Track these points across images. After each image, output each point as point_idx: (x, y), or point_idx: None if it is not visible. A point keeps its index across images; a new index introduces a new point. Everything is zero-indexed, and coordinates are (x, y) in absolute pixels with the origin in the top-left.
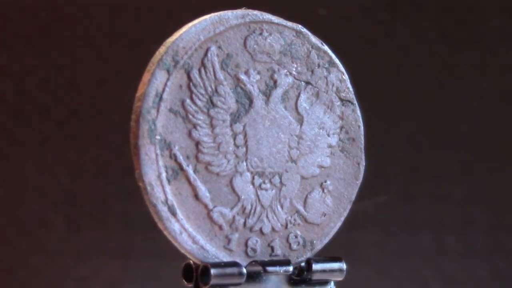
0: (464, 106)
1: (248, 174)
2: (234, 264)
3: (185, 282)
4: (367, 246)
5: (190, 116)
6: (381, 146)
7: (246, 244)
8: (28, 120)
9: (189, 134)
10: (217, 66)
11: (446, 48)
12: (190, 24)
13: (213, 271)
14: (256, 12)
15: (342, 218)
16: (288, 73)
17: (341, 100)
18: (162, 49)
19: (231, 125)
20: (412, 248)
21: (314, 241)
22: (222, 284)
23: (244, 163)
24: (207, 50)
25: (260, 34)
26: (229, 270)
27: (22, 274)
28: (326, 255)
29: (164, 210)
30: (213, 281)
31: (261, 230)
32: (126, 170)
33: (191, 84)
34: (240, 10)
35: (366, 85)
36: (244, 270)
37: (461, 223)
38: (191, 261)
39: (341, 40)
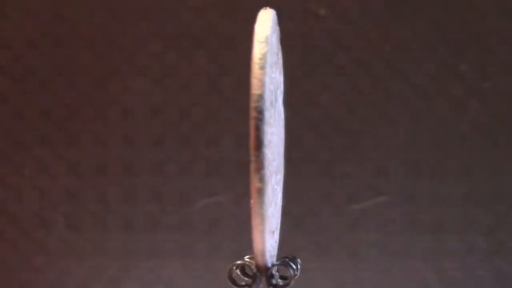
0: (464, 106)
1: (274, 174)
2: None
3: (235, 285)
4: (367, 246)
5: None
6: (381, 146)
7: (270, 244)
8: (28, 120)
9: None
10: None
11: (446, 48)
12: (268, 20)
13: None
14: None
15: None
16: (279, 73)
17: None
18: (264, 46)
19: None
20: (412, 248)
21: (277, 241)
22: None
23: (274, 163)
24: (271, 48)
25: (276, 34)
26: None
27: (22, 274)
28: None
29: (268, 210)
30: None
31: (273, 231)
32: (126, 170)
33: (269, 81)
34: (266, 9)
35: (366, 85)
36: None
37: (461, 223)
38: (244, 262)
39: (341, 40)
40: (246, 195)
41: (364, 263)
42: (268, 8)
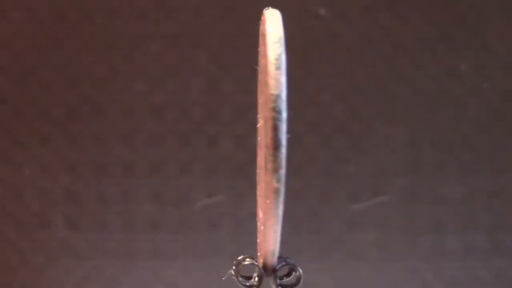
0: (464, 106)
1: None
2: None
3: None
4: (367, 246)
5: None
6: (381, 146)
7: None
8: (28, 120)
9: None
10: None
11: (446, 48)
12: (278, 19)
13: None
14: None
15: None
16: None
17: None
18: (279, 46)
19: None
20: (412, 248)
21: None
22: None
23: None
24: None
25: None
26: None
27: (22, 274)
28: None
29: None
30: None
31: None
32: (126, 170)
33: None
34: (268, 9)
35: (366, 85)
36: None
37: (461, 223)
38: (253, 263)
39: (341, 40)
40: (246, 195)
41: (364, 263)
42: (270, 8)
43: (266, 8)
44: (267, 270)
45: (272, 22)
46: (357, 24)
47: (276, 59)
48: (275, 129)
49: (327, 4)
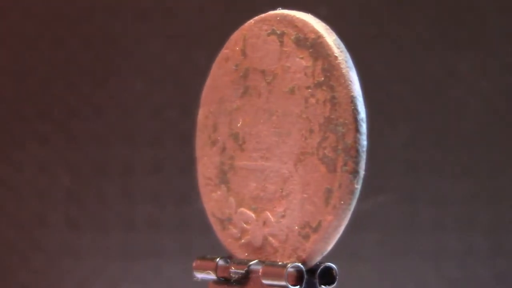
0: (464, 106)
1: None
2: None
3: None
4: (367, 246)
5: None
6: (381, 146)
7: None
8: (28, 120)
9: None
10: None
11: (446, 48)
12: (323, 24)
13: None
14: None
15: None
16: None
17: None
18: (343, 48)
19: None
20: (412, 248)
21: None
22: None
23: None
24: None
25: None
26: None
27: (22, 274)
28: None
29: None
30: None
31: None
32: (126, 170)
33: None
34: (280, 10)
35: (366, 85)
36: None
37: (461, 223)
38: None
39: (341, 40)
40: None
41: (364, 263)
42: (281, 8)
43: (279, 8)
44: (307, 269)
45: (320, 27)
46: (357, 24)
47: (346, 61)
48: (359, 131)
49: (327, 4)
